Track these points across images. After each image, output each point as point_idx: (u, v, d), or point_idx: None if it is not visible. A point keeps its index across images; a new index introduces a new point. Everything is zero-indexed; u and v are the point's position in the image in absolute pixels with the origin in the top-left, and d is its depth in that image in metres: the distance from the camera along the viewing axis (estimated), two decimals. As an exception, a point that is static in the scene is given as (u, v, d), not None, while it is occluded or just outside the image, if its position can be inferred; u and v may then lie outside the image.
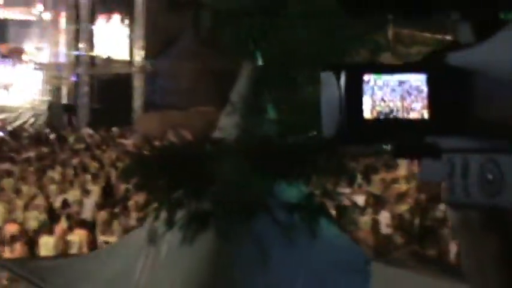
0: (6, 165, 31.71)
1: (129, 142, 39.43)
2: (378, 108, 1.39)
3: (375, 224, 22.20)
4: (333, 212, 17.70)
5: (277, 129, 12.23)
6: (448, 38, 16.30)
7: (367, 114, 1.42)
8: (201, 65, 41.08)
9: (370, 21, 11.67)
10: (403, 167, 29.46)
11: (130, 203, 23.80)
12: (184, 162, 12.18)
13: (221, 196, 11.35)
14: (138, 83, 51.65)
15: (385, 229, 22.41)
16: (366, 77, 1.41)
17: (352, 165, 14.58)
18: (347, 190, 21.01)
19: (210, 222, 11.20)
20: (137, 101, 51.40)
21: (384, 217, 23.01)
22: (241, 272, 10.96)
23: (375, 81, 1.39)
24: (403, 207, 23.67)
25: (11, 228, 22.73)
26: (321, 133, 7.70)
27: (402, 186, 26.84)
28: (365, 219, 22.69)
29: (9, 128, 47.26)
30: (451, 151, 1.44)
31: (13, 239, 21.92)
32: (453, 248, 17.33)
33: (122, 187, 25.67)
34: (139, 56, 51.30)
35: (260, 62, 12.65)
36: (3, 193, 26.52)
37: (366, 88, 1.39)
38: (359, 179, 23.31)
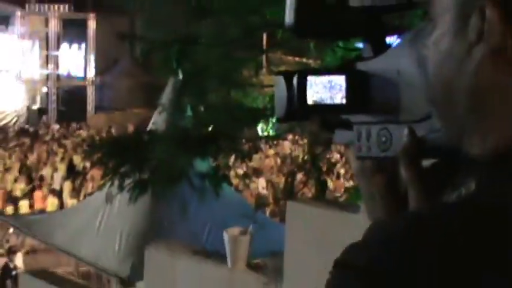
0: (-2, 152, 37.81)
1: (84, 133, 47.00)
2: (314, 97, 1.45)
3: (255, 187, 26.10)
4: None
5: (193, 123, 15.02)
6: (308, 61, 17.24)
7: (309, 101, 1.47)
8: (135, 79, 45.93)
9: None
10: (285, 146, 33.51)
11: (88, 176, 28.18)
12: (128, 146, 14.76)
13: (155, 169, 13.68)
14: (90, 92, 62.72)
15: (262, 191, 26.51)
16: (309, 78, 1.46)
17: (242, 146, 15.86)
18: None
19: (147, 187, 13.59)
20: (90, 105, 61.99)
21: (261, 183, 27.07)
22: (168, 222, 13.51)
23: (314, 80, 1.46)
24: (273, 177, 27.68)
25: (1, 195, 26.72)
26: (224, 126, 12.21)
27: (272, 161, 30.88)
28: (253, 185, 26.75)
29: (-1, 123, 55.06)
30: (359, 123, 1.58)
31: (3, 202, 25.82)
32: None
33: (80, 165, 30.93)
34: (90, 73, 62.75)
35: (181, 77, 15.33)
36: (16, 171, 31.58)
37: (309, 85, 1.46)
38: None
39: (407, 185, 1.40)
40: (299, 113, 1.53)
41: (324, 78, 1.51)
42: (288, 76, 1.51)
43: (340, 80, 1.50)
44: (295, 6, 1.49)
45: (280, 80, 1.51)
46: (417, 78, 1.34)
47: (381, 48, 1.51)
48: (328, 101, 1.50)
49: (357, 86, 1.51)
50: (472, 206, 1.15)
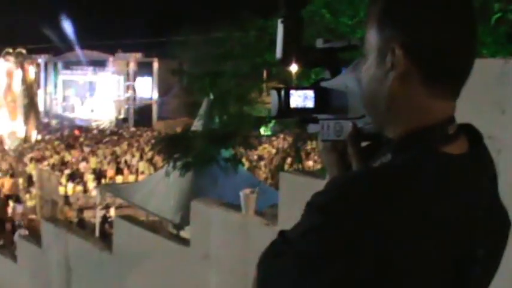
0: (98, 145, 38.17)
1: (150, 134, 47.46)
2: (295, 103, 1.45)
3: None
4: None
5: (219, 126, 14.99)
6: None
7: (292, 105, 1.46)
8: (182, 99, 46.23)
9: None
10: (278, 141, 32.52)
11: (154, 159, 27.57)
12: (178, 141, 14.71)
13: (195, 155, 13.65)
14: (154, 108, 64.02)
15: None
16: (291, 91, 1.49)
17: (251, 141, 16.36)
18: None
19: (191, 167, 13.65)
20: (154, 116, 63.12)
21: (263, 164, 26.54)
22: (205, 188, 13.34)
23: (295, 93, 1.49)
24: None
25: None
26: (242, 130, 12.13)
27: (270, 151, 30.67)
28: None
29: (98, 128, 58.19)
30: (323, 119, 1.56)
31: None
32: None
33: (149, 154, 29.98)
34: (155, 95, 64.49)
35: (211, 97, 15.69)
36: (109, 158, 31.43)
37: (292, 95, 1.48)
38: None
39: (351, 157, 1.48)
40: (285, 113, 1.54)
41: (301, 92, 1.54)
42: (278, 90, 1.55)
43: (310, 93, 1.54)
44: (282, 47, 1.56)
45: (274, 92, 1.56)
46: (357, 91, 1.42)
47: (336, 72, 1.55)
48: (303, 106, 1.54)
49: (321, 96, 1.54)
50: (388, 167, 1.27)
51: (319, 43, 1.58)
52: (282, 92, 1.54)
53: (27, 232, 16.64)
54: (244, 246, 5.33)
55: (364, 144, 1.51)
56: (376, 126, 1.40)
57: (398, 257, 1.16)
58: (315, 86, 1.56)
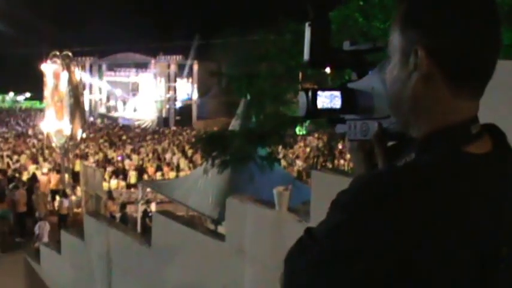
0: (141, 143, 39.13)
1: (190, 133, 48.24)
2: (322, 104, 1.50)
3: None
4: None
5: (256, 125, 15.04)
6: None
7: (319, 106, 1.47)
8: (220, 100, 46.87)
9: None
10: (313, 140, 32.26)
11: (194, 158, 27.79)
12: (217, 140, 14.66)
13: (233, 154, 13.78)
14: (194, 108, 65.67)
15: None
16: (318, 92, 1.50)
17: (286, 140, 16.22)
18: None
19: (228, 164, 13.76)
20: (194, 115, 64.69)
21: (298, 163, 26.66)
22: (242, 185, 13.07)
23: (322, 94, 1.50)
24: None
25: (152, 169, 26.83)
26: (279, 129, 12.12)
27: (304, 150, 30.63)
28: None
29: (141, 127, 60.35)
30: (350, 120, 1.57)
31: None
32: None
33: (189, 151, 30.72)
34: (194, 96, 66.24)
35: (248, 98, 15.62)
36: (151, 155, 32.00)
37: (319, 96, 1.49)
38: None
39: (377, 156, 1.50)
40: (313, 113, 1.55)
41: (328, 93, 1.55)
42: (306, 91, 1.55)
43: (337, 94, 1.54)
44: (310, 49, 1.56)
45: (302, 94, 1.55)
46: (382, 92, 1.42)
47: (362, 74, 1.55)
48: (330, 106, 1.54)
49: (348, 97, 1.54)
50: (411, 166, 1.26)
51: (346, 45, 1.58)
52: (310, 93, 1.54)
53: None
54: (277, 242, 5.32)
55: (390, 144, 1.51)
56: (400, 126, 1.39)
57: (419, 256, 1.14)
58: (341, 87, 1.56)
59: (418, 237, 1.14)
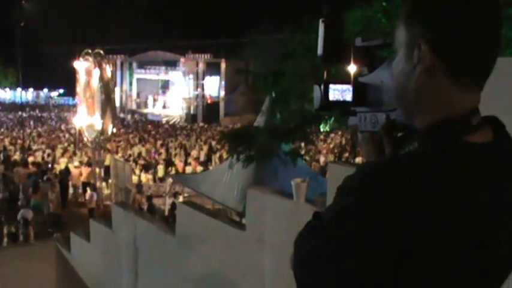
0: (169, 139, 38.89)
1: (218, 129, 48.47)
2: (334, 97, 1.52)
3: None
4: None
5: (281, 122, 15.30)
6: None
7: (330, 98, 1.52)
8: (247, 97, 46.80)
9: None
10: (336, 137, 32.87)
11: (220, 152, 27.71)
12: (243, 136, 15.04)
13: (258, 149, 14.10)
14: (221, 105, 65.70)
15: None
16: (330, 85, 1.52)
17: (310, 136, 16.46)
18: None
19: (253, 159, 14.12)
20: (221, 112, 64.92)
21: (321, 159, 26.16)
22: (266, 179, 13.12)
23: (334, 87, 1.52)
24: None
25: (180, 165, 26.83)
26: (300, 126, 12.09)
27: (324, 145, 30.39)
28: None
29: (169, 123, 60.65)
30: (360, 112, 1.55)
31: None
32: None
33: (216, 147, 30.14)
34: (222, 93, 66.07)
35: (274, 95, 15.61)
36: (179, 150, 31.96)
37: (330, 89, 1.51)
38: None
39: (385, 145, 1.51)
40: (325, 106, 1.57)
41: (339, 86, 1.57)
42: (319, 84, 1.57)
43: (349, 87, 1.56)
44: (323, 45, 1.57)
45: (316, 87, 1.58)
46: (391, 85, 1.42)
47: (373, 68, 1.56)
48: (342, 99, 1.57)
49: (358, 90, 1.56)
50: (413, 153, 1.29)
51: (358, 41, 1.60)
52: (322, 86, 1.57)
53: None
54: (295, 231, 5.37)
55: (399, 135, 1.52)
56: (405, 118, 1.41)
57: (427, 238, 1.17)
58: (352, 81, 1.58)
59: (420, 222, 1.16)
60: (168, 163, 27.25)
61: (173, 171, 25.14)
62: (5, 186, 21.07)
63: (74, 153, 28.75)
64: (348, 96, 1.57)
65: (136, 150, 31.49)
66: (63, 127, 50.69)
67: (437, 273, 1.20)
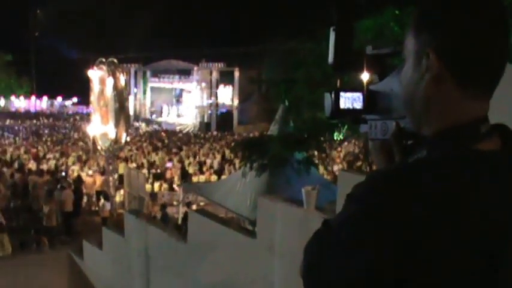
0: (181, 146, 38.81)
1: (231, 138, 47.92)
2: (345, 105, 1.52)
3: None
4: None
5: (294, 130, 15.29)
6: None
7: (341, 106, 1.53)
8: (260, 106, 46.96)
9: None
10: (349, 145, 32.82)
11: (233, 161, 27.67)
12: (256, 144, 14.98)
13: (271, 157, 13.97)
14: (235, 113, 65.84)
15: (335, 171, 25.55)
16: (341, 93, 1.52)
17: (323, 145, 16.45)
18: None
19: (266, 168, 13.97)
20: (235, 121, 64.94)
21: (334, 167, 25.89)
22: (279, 188, 12.93)
23: (344, 95, 1.52)
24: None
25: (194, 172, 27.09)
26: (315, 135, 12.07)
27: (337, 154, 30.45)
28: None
29: (183, 131, 60.81)
30: (371, 120, 1.57)
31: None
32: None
33: (229, 155, 30.09)
34: (235, 102, 66.39)
35: (287, 103, 15.61)
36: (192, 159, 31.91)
37: (341, 97, 1.52)
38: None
39: (395, 153, 1.50)
40: (336, 113, 1.57)
41: (350, 94, 1.57)
42: (330, 92, 1.58)
43: (359, 95, 1.57)
44: (334, 53, 1.58)
45: (327, 95, 1.58)
46: (400, 93, 1.43)
47: (383, 76, 1.57)
48: (352, 107, 1.57)
49: (369, 98, 1.57)
50: (423, 161, 1.29)
51: (369, 50, 1.61)
52: (333, 94, 1.57)
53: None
54: (305, 239, 5.37)
55: (409, 143, 1.52)
56: (414, 126, 1.41)
57: (427, 247, 1.15)
58: (363, 89, 1.58)
59: (428, 228, 1.16)
60: (182, 172, 27.29)
61: (187, 180, 25.17)
62: (18, 195, 21.15)
63: (85, 163, 28.84)
64: (359, 104, 1.57)
65: (150, 158, 31.57)
66: (76, 135, 51.00)
67: (440, 283, 1.18)
